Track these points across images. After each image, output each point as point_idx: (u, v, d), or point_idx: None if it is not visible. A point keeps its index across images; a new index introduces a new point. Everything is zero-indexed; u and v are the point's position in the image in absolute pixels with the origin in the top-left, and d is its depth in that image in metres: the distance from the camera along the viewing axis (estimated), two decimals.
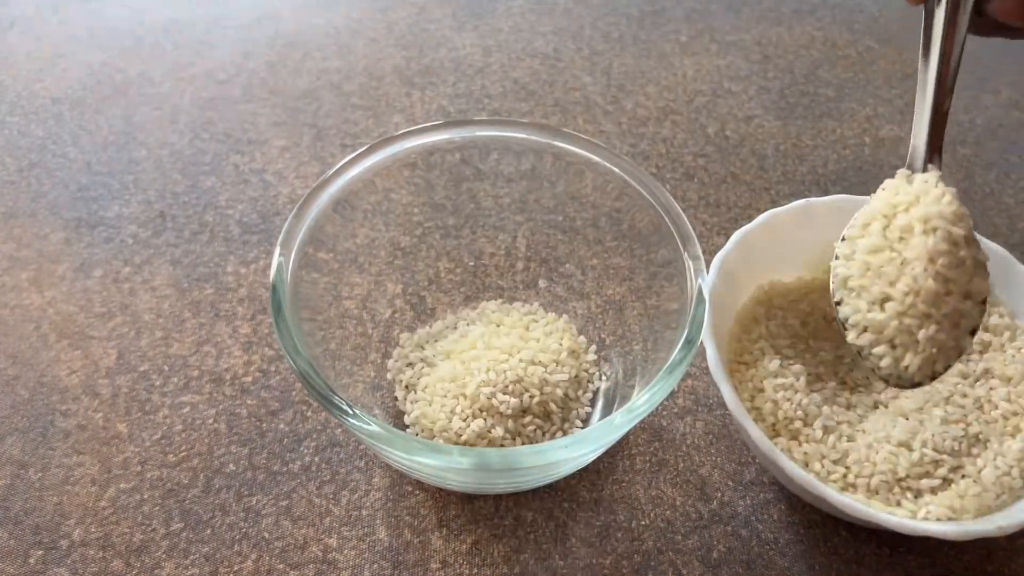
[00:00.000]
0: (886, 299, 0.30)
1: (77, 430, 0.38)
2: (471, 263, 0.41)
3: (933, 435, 0.33)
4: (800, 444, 0.34)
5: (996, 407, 0.34)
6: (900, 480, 0.33)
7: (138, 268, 0.45)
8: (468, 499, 0.36)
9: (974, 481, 0.32)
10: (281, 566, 0.34)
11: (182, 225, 0.47)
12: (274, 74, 0.58)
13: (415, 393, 0.37)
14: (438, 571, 0.34)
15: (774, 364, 0.35)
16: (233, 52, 0.60)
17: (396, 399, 0.38)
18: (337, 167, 0.35)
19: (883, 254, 0.31)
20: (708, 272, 0.35)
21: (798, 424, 0.34)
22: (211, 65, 0.58)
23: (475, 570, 0.34)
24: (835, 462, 0.33)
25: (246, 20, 0.63)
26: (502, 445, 0.35)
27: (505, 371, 0.35)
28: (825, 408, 0.34)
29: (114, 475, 0.37)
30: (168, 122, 0.54)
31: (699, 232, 0.47)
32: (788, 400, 0.34)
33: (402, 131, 0.37)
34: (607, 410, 0.37)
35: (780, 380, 0.35)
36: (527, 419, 0.35)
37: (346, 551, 0.34)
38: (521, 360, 0.36)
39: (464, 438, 0.34)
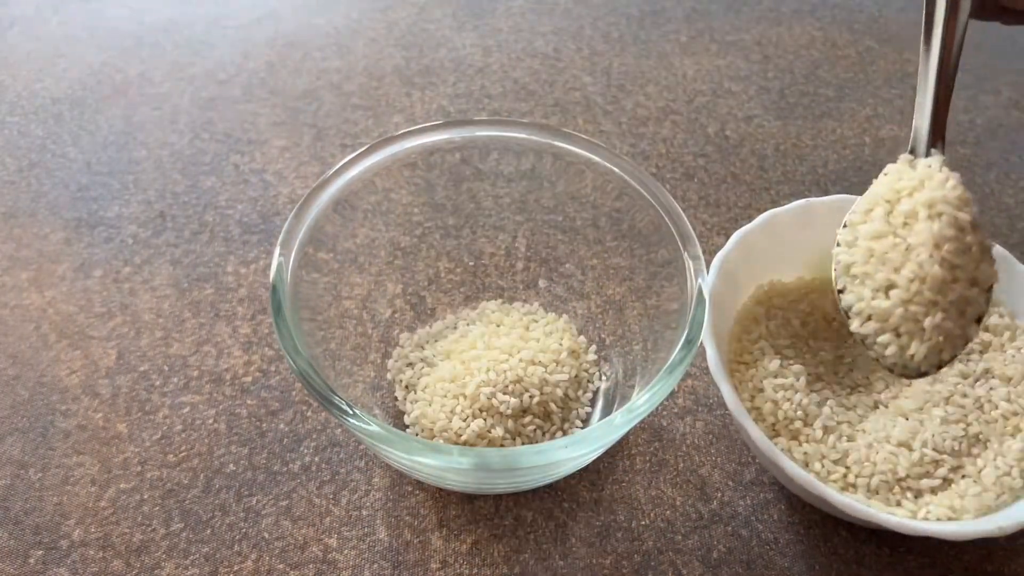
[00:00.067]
0: (891, 286, 0.29)
1: (77, 430, 0.38)
2: (471, 263, 0.41)
3: (933, 435, 0.33)
4: (800, 444, 0.34)
5: (996, 407, 0.34)
6: (900, 480, 0.33)
7: (138, 268, 0.45)
8: (468, 499, 0.36)
9: (974, 481, 0.32)
10: (281, 566, 0.34)
11: (182, 225, 0.47)
12: (274, 74, 0.58)
13: (415, 393, 0.37)
14: (438, 571, 0.34)
15: (774, 364, 0.35)
16: (233, 52, 0.60)
17: (396, 399, 0.38)
18: (337, 167, 0.35)
19: (887, 240, 0.30)
20: (708, 272, 0.35)
21: (798, 424, 0.34)
22: (211, 65, 0.58)
23: (475, 570, 0.34)
24: (835, 462, 0.33)
25: (246, 20, 0.63)
26: (502, 445, 0.35)
27: (505, 371, 0.35)
28: (825, 408, 0.34)
29: (114, 475, 0.37)
30: (168, 122, 0.54)
31: (699, 232, 0.47)
32: (788, 400, 0.34)
33: (402, 131, 0.37)
34: (607, 410, 0.37)
35: (780, 380, 0.35)
36: (527, 419, 0.35)
37: (346, 551, 0.34)
38: (521, 360, 0.36)
39: (464, 438, 0.34)
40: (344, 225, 0.36)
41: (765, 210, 0.39)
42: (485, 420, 0.35)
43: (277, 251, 0.32)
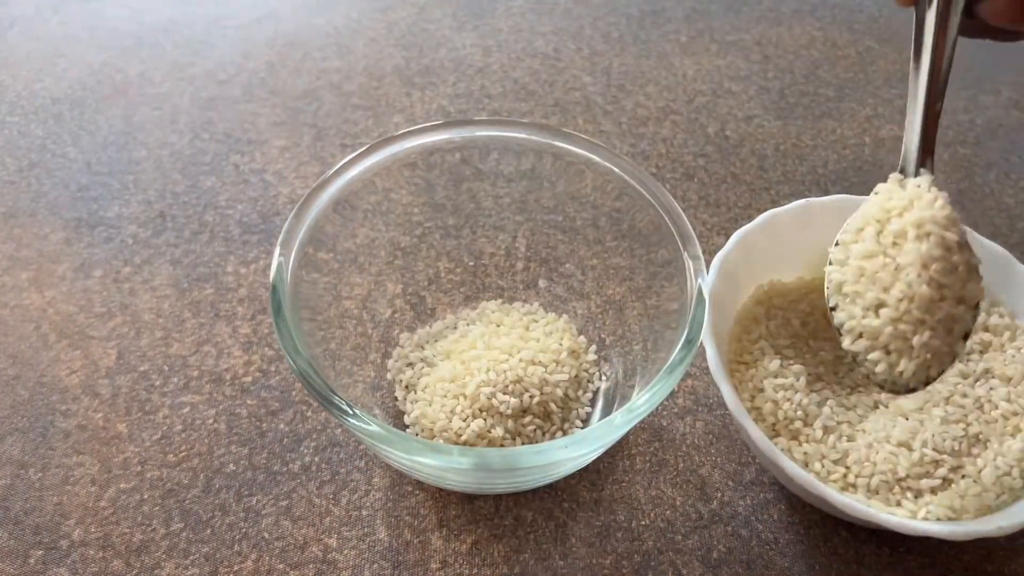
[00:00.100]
0: (880, 305, 0.30)
1: (77, 430, 0.38)
2: (471, 263, 0.41)
3: (933, 435, 0.33)
4: (800, 444, 0.34)
5: (996, 407, 0.34)
6: (900, 480, 0.33)
7: (138, 268, 0.45)
8: (468, 499, 0.36)
9: (974, 481, 0.32)
10: (281, 566, 0.34)
11: (182, 225, 0.47)
12: (274, 74, 0.58)
13: (415, 393, 0.37)
14: (438, 571, 0.34)
15: (774, 364, 0.35)
16: (233, 52, 0.60)
17: (396, 399, 0.38)
18: (337, 167, 0.35)
19: (877, 260, 0.31)
20: (708, 272, 0.35)
21: (798, 424, 0.34)
22: (211, 65, 0.58)
23: (475, 570, 0.34)
24: (835, 462, 0.33)
25: (246, 20, 0.63)
26: (502, 445, 0.35)
27: (505, 371, 0.35)
28: (825, 408, 0.34)
29: (114, 475, 0.37)
30: (168, 122, 0.54)
31: (699, 232, 0.47)
32: (788, 400, 0.34)
33: (402, 131, 0.37)
34: (607, 410, 0.37)
35: (780, 380, 0.35)
36: (527, 419, 0.35)
37: (346, 551, 0.34)
38: (521, 360, 0.36)
39: (464, 438, 0.34)
40: (344, 225, 0.36)
41: (765, 210, 0.39)
42: (485, 420, 0.35)
43: (277, 251, 0.32)
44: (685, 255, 0.34)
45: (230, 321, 0.42)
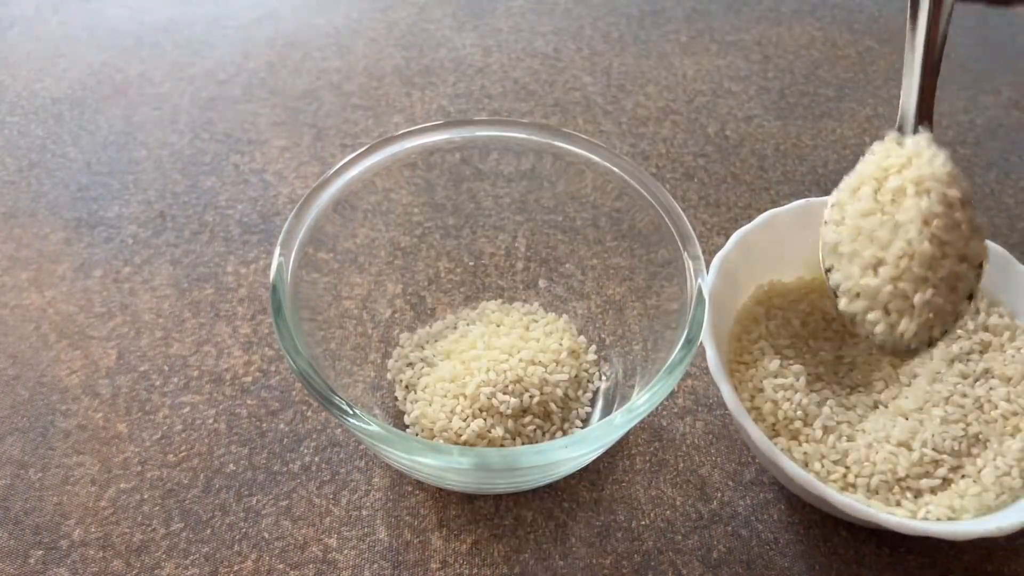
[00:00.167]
0: (879, 263, 0.29)
1: (77, 430, 0.38)
2: (471, 263, 0.41)
3: (933, 435, 0.33)
4: (800, 444, 0.34)
5: (996, 407, 0.34)
6: (900, 480, 0.33)
7: (138, 268, 0.45)
8: (468, 499, 0.36)
9: (974, 481, 0.32)
10: (281, 566, 0.34)
11: (182, 225, 0.47)
12: (274, 74, 0.58)
13: (415, 393, 0.37)
14: (438, 571, 0.34)
15: (774, 364, 0.35)
16: (233, 52, 0.60)
17: (396, 399, 0.38)
18: (337, 167, 0.35)
19: (875, 218, 0.29)
20: (708, 272, 0.35)
21: (798, 424, 0.34)
22: (211, 65, 0.58)
23: (475, 570, 0.34)
24: (835, 462, 0.33)
25: (246, 20, 0.63)
26: (502, 445, 0.35)
27: (505, 371, 0.35)
28: (825, 408, 0.34)
29: (114, 475, 0.37)
30: (168, 122, 0.54)
31: (699, 232, 0.47)
32: (788, 400, 0.34)
33: (402, 131, 0.37)
34: (607, 410, 0.37)
35: (780, 380, 0.35)
36: (527, 419, 0.35)
37: (346, 551, 0.34)
38: (521, 360, 0.36)
39: (464, 438, 0.34)
40: (344, 225, 0.36)
41: (765, 210, 0.39)
42: (485, 420, 0.35)
43: (277, 251, 0.32)
44: (685, 255, 0.34)
45: (230, 321, 0.42)
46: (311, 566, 0.34)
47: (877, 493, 0.33)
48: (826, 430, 0.34)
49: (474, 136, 0.37)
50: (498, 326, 0.39)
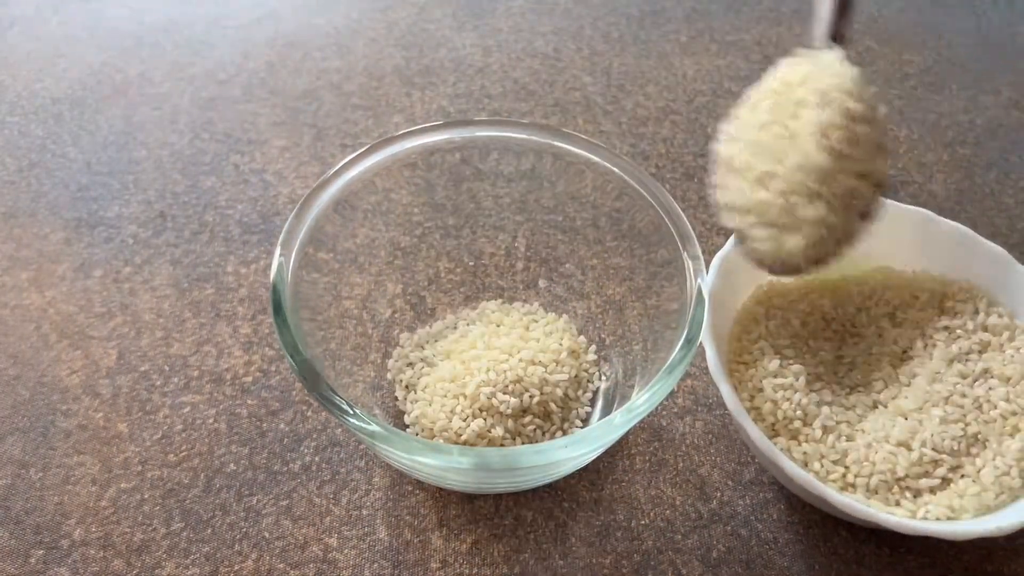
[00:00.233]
0: (772, 177, 0.27)
1: (78, 430, 0.38)
2: (471, 263, 0.41)
3: (932, 435, 0.33)
4: (799, 444, 0.34)
5: (995, 407, 0.34)
6: (899, 480, 0.33)
7: (138, 268, 0.45)
8: (468, 499, 0.36)
9: (973, 481, 0.32)
10: (281, 566, 0.34)
11: (182, 225, 0.47)
12: (274, 74, 0.58)
13: (415, 393, 0.37)
14: (438, 571, 0.34)
15: (773, 364, 0.35)
16: (233, 52, 0.60)
17: (396, 399, 0.38)
18: (337, 167, 0.35)
19: (772, 130, 0.27)
20: (708, 272, 0.35)
21: (797, 424, 0.34)
22: (211, 65, 0.58)
23: (475, 570, 0.34)
24: (834, 462, 0.33)
25: (246, 20, 0.63)
26: (502, 445, 0.35)
27: (505, 371, 0.35)
28: (824, 408, 0.35)
29: (115, 475, 0.37)
30: (168, 122, 0.54)
31: (699, 232, 0.47)
32: (787, 400, 0.34)
33: (402, 131, 0.37)
34: (607, 410, 0.37)
35: (779, 380, 0.35)
36: (527, 419, 0.35)
37: (346, 551, 0.35)
38: (521, 360, 0.36)
39: (464, 438, 0.34)
40: (344, 225, 0.36)
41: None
42: (485, 420, 0.35)
43: (277, 251, 0.32)
44: (685, 255, 0.34)
45: (230, 321, 0.42)
46: (311, 566, 0.34)
47: (877, 493, 0.33)
48: (826, 430, 0.34)
49: (474, 136, 0.38)
50: (498, 326, 0.39)
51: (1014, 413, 0.34)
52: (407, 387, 0.38)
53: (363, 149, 0.36)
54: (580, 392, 0.38)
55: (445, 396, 0.36)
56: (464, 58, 0.60)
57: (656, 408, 0.31)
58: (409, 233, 0.40)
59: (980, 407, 0.34)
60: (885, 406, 0.35)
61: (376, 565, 0.34)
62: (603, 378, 0.39)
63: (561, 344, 0.38)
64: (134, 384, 0.40)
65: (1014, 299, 0.38)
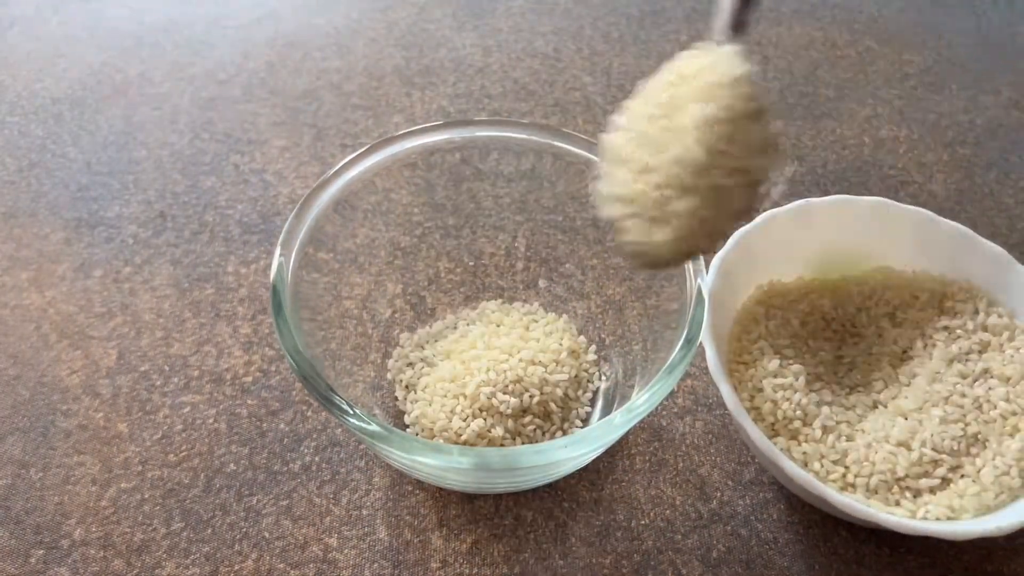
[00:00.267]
0: (652, 169, 0.27)
1: (78, 430, 0.38)
2: (471, 263, 0.41)
3: (932, 435, 0.33)
4: (799, 444, 0.34)
5: (995, 407, 0.34)
6: (899, 480, 0.33)
7: (138, 268, 0.45)
8: (468, 499, 0.36)
9: (973, 481, 0.32)
10: (282, 565, 0.34)
11: (182, 225, 0.47)
12: (274, 74, 0.58)
13: (415, 393, 0.37)
14: (438, 571, 0.34)
15: (773, 364, 0.35)
16: (233, 52, 0.60)
17: (396, 399, 0.38)
18: (337, 167, 0.35)
19: (659, 122, 0.27)
20: (708, 272, 0.35)
21: (797, 424, 0.34)
22: (211, 65, 0.58)
23: (475, 570, 0.34)
24: (834, 462, 0.33)
25: (246, 20, 0.63)
26: (502, 445, 0.35)
27: (505, 371, 0.35)
28: (824, 408, 0.35)
29: (115, 475, 0.37)
30: (168, 122, 0.54)
31: None
32: (787, 400, 0.34)
33: (402, 131, 0.37)
34: (607, 410, 0.37)
35: (779, 380, 0.35)
36: (527, 419, 0.35)
37: (346, 550, 0.35)
38: (521, 360, 0.36)
39: (464, 438, 0.34)
40: (344, 225, 0.36)
41: (764, 210, 0.39)
42: (485, 420, 0.35)
43: (277, 251, 0.32)
44: None
45: (230, 321, 0.42)
46: (311, 565, 0.34)
47: (876, 493, 0.33)
48: (825, 430, 0.34)
49: (474, 136, 0.37)
50: (498, 326, 0.39)
51: (1014, 413, 0.34)
52: (407, 387, 0.38)
53: (363, 149, 0.36)
54: (580, 392, 0.38)
55: (445, 396, 0.36)
56: (464, 58, 0.60)
57: (656, 408, 0.31)
58: (409, 233, 0.40)
59: (980, 407, 0.34)
60: (885, 406, 0.35)
61: (376, 565, 0.34)
62: (603, 378, 0.39)
63: (561, 344, 0.38)
64: (134, 384, 0.40)
65: (1014, 299, 0.38)
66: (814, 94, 0.58)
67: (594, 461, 0.37)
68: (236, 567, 0.34)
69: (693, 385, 0.41)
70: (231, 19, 0.63)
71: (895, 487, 0.33)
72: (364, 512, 0.36)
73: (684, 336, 0.31)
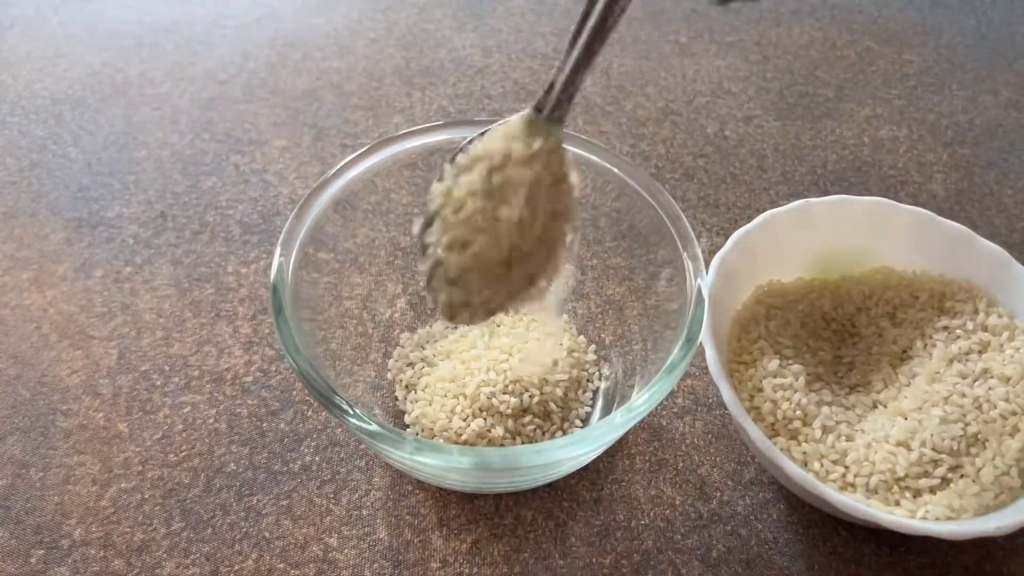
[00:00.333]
0: (466, 244, 0.29)
1: (78, 430, 0.38)
2: None
3: (932, 435, 0.33)
4: (799, 444, 0.34)
5: (995, 407, 0.34)
6: (899, 480, 0.33)
7: (139, 268, 0.45)
8: (468, 499, 0.36)
9: (973, 481, 0.32)
10: (282, 565, 0.34)
11: (183, 225, 0.47)
12: (274, 74, 0.58)
13: (415, 393, 0.37)
14: (438, 570, 0.34)
15: (773, 364, 0.35)
16: (233, 52, 0.60)
17: (396, 399, 0.38)
18: (337, 167, 0.35)
19: (478, 200, 0.29)
20: (708, 272, 0.35)
21: (797, 424, 0.34)
22: (211, 65, 0.58)
23: (475, 569, 0.34)
24: (834, 462, 0.33)
25: (246, 20, 0.63)
26: (502, 445, 0.35)
27: (505, 371, 0.35)
28: (824, 408, 0.35)
29: (115, 475, 0.37)
30: (168, 122, 0.54)
31: (699, 232, 0.47)
32: (787, 400, 0.34)
33: (402, 131, 0.37)
34: (607, 410, 0.37)
35: (779, 380, 0.35)
36: (527, 419, 0.35)
37: (346, 550, 0.35)
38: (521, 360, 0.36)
39: (464, 438, 0.34)
40: (344, 225, 0.36)
41: (764, 210, 0.39)
42: (485, 420, 0.35)
43: (278, 251, 0.32)
44: (685, 255, 0.34)
45: (231, 321, 0.42)
46: (311, 565, 0.34)
47: (876, 493, 0.33)
48: (825, 430, 0.34)
49: (474, 136, 0.37)
50: (498, 326, 0.39)
51: (1014, 413, 0.34)
52: (407, 387, 0.38)
53: (363, 149, 0.36)
54: (580, 392, 0.38)
55: (445, 396, 0.36)
56: (464, 58, 0.60)
57: (656, 408, 0.31)
58: (409, 233, 0.40)
59: (980, 407, 0.34)
60: (885, 406, 0.35)
61: (376, 565, 0.34)
62: (603, 378, 0.39)
63: (561, 344, 0.38)
64: (134, 384, 0.40)
65: (1014, 299, 0.38)
66: (814, 94, 0.58)
67: (594, 461, 0.37)
68: (236, 567, 0.34)
69: (693, 385, 0.41)
70: (231, 19, 0.63)
71: (895, 487, 0.33)
72: (364, 512, 0.36)
73: (684, 336, 0.31)
